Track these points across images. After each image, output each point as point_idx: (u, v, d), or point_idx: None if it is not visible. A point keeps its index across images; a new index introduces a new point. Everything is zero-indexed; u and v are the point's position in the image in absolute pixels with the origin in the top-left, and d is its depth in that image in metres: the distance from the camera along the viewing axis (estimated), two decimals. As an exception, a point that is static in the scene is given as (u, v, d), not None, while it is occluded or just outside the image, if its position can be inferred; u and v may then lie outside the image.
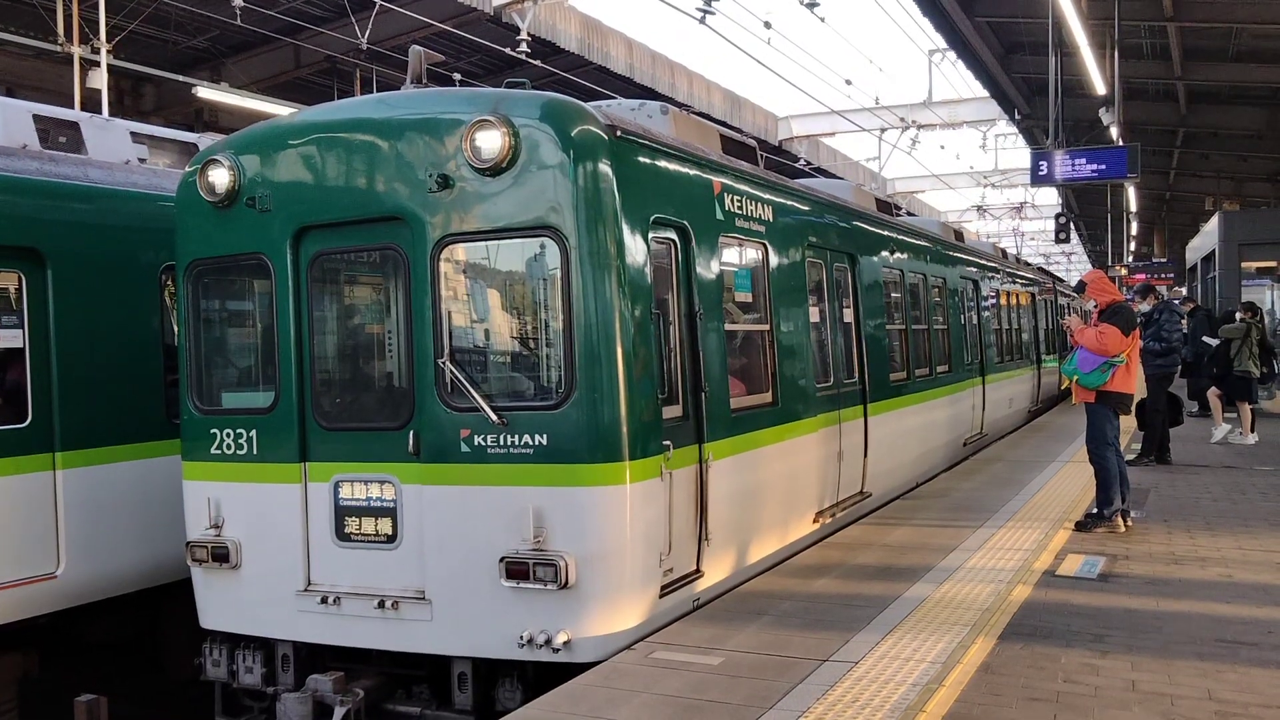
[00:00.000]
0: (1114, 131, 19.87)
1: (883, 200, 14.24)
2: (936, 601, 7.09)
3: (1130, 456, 12.60)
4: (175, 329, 7.73)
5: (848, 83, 29.47)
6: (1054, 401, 23.45)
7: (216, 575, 6.91)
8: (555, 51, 23.25)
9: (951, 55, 25.74)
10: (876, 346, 10.82)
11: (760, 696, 5.37)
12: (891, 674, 5.66)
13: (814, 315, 9.35)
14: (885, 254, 11.68)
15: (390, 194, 6.43)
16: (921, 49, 60.19)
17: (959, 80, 56.68)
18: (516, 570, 5.99)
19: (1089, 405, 9.49)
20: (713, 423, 7.04)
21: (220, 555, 6.83)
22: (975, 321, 16.00)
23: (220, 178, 6.85)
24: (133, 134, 9.16)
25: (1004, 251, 22.53)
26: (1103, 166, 17.95)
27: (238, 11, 18.16)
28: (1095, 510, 9.52)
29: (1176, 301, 21.64)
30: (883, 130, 34.96)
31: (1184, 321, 16.66)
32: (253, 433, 6.84)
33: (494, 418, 6.08)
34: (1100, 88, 18.85)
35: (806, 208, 9.52)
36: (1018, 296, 20.42)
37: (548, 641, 5.98)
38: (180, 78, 19.86)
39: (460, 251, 6.37)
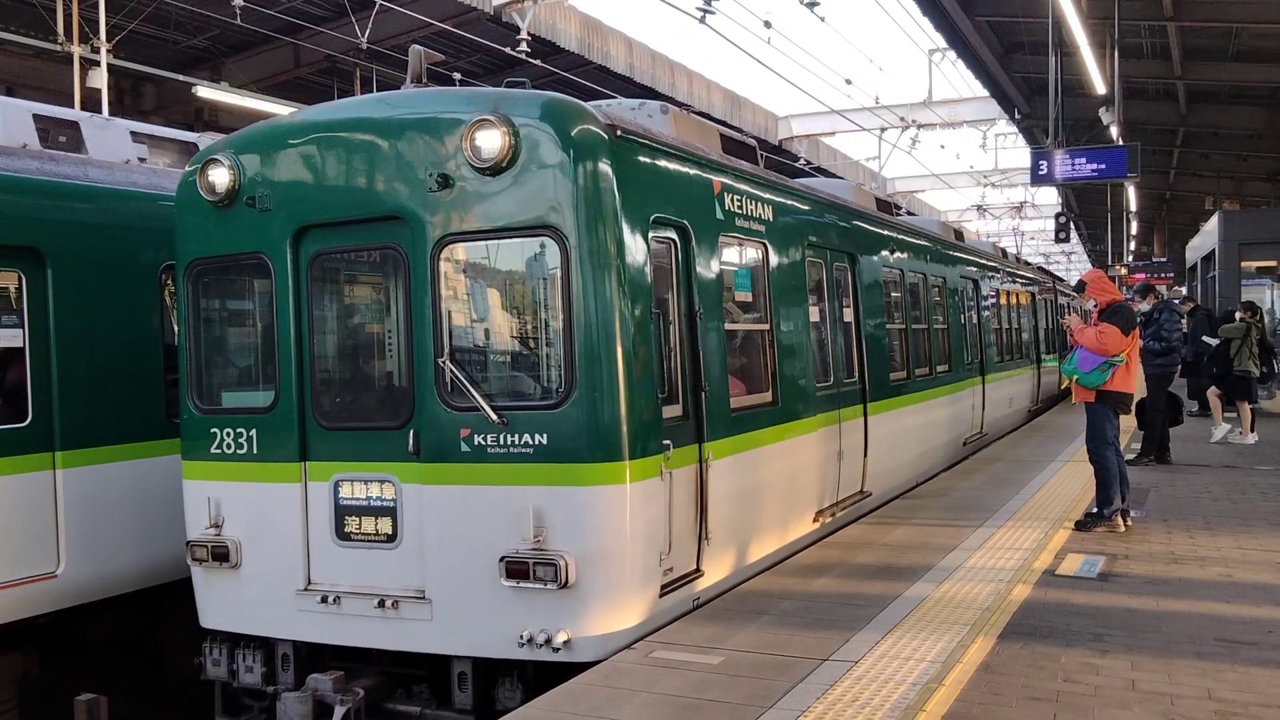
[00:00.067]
0: (1114, 131, 19.88)
1: (883, 200, 14.25)
2: (936, 601, 7.09)
3: (1130, 456, 12.60)
4: (175, 328, 7.73)
5: (848, 82, 29.50)
6: (1054, 401, 23.45)
7: (216, 574, 6.91)
8: (555, 51, 23.26)
9: (951, 55, 25.76)
10: (876, 346, 10.82)
11: (760, 696, 5.37)
12: (891, 673, 5.66)
13: (814, 315, 9.35)
14: (885, 253, 11.68)
15: (390, 193, 6.43)
16: (921, 48, 60.26)
17: (959, 80, 56.66)
18: (516, 570, 5.99)
19: (1089, 405, 9.49)
20: (713, 422, 7.04)
21: (220, 555, 6.83)
22: (975, 321, 16.00)
23: (220, 177, 6.85)
24: (133, 133, 9.16)
25: (1004, 251, 22.53)
26: (1103, 166, 17.96)
27: (238, 11, 18.16)
28: (1095, 510, 9.52)
29: (1176, 301, 21.67)
30: (883, 130, 34.97)
31: (1184, 321, 16.66)
32: (253, 432, 6.84)
33: (494, 417, 6.08)
34: (1100, 87, 18.86)
35: (806, 207, 9.52)
36: (1018, 296, 20.42)
37: (548, 641, 5.98)
38: (180, 77, 19.87)
39: (460, 251, 6.37)
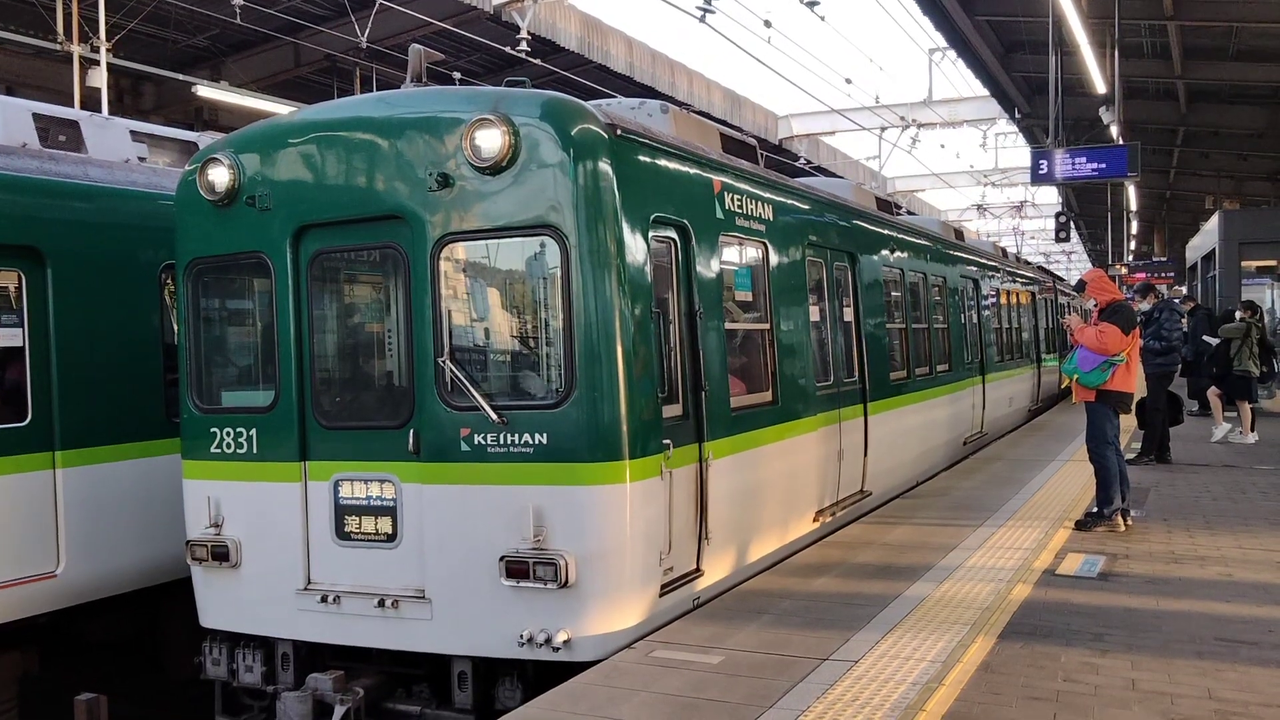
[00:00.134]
0: (1114, 130, 19.88)
1: (883, 199, 14.25)
2: (936, 600, 7.09)
3: (1130, 455, 12.60)
4: (175, 328, 7.73)
5: (848, 81, 29.47)
6: (1054, 400, 23.45)
7: (216, 574, 6.91)
8: (555, 50, 23.26)
9: (951, 54, 25.78)
10: (876, 345, 10.82)
11: (760, 695, 5.37)
12: (891, 673, 5.66)
13: (814, 314, 9.35)
14: (885, 253, 11.68)
15: (390, 193, 6.43)
16: (922, 48, 60.30)
17: (959, 79, 56.69)
18: (516, 569, 5.99)
19: (1089, 404, 9.49)
20: (713, 422, 7.03)
21: (220, 554, 6.83)
22: (975, 320, 16.00)
23: (220, 176, 6.85)
24: (132, 133, 9.15)
25: (1004, 250, 22.54)
26: (1103, 165, 17.97)
27: (237, 10, 18.17)
28: (1095, 509, 9.52)
29: (1176, 300, 21.66)
30: (883, 129, 34.98)
31: (1184, 320, 16.67)
32: (252, 431, 6.84)
33: (494, 417, 6.08)
34: (1100, 86, 18.86)
35: (807, 207, 9.52)
36: (1018, 295, 20.42)
37: (547, 640, 5.98)
38: (180, 76, 19.88)
39: (460, 250, 6.37)
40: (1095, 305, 9.72)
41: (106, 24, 16.61)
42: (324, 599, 6.55)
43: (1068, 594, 7.30)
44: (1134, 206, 36.44)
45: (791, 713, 5.15)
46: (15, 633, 7.34)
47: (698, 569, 6.91)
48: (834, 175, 34.53)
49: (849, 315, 10.32)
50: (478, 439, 6.14)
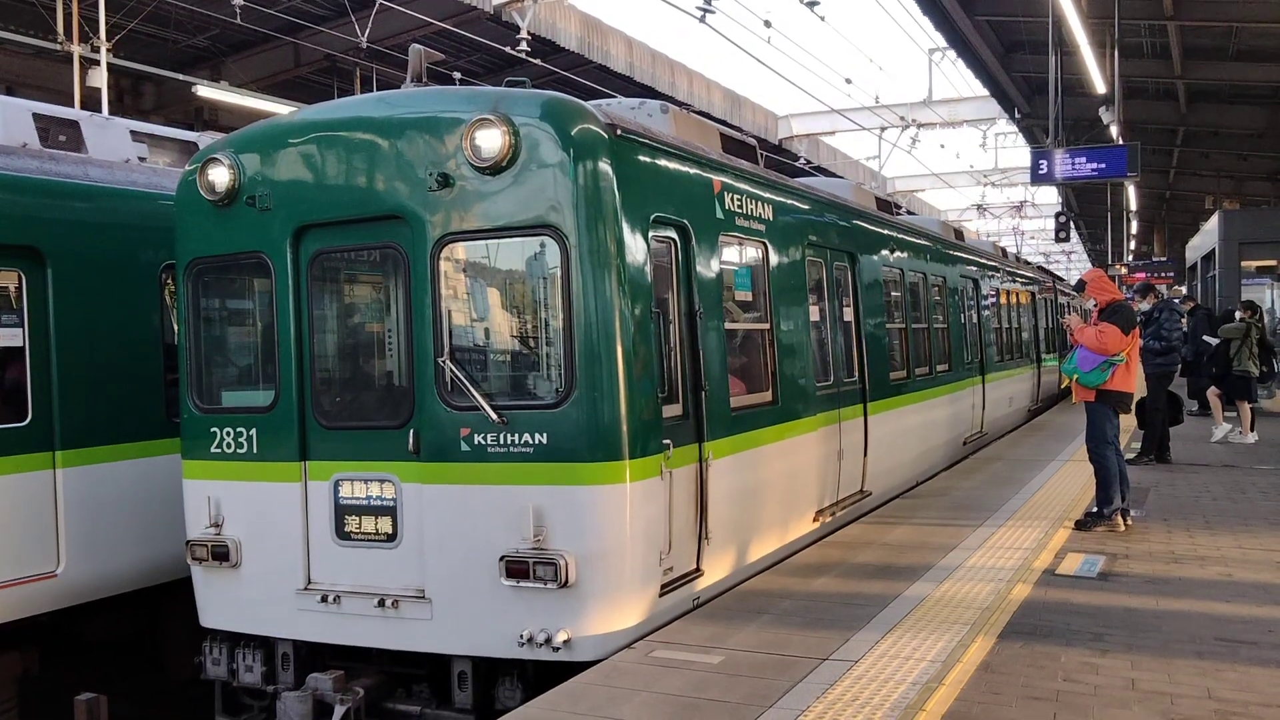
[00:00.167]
0: (1114, 130, 19.88)
1: (883, 199, 14.25)
2: (936, 600, 7.09)
3: (1130, 455, 12.60)
4: (175, 328, 7.73)
5: (848, 81, 29.47)
6: (1054, 400, 23.46)
7: (216, 574, 6.91)
8: (555, 50, 23.26)
9: (951, 54, 25.78)
10: (876, 345, 10.82)
11: (760, 695, 5.37)
12: (891, 673, 5.66)
13: (814, 314, 9.35)
14: (885, 253, 11.68)
15: (390, 193, 6.43)
16: (921, 48, 60.30)
17: (959, 79, 56.67)
18: (516, 569, 5.99)
19: (1089, 404, 9.49)
20: (713, 421, 7.03)
21: (220, 554, 6.83)
22: (975, 320, 16.00)
23: (220, 176, 6.85)
24: (132, 133, 9.15)
25: (1004, 250, 22.54)
26: (1103, 165, 17.96)
27: (237, 10, 18.17)
28: (1095, 509, 9.52)
29: (1176, 300, 21.64)
30: (883, 129, 34.98)
31: (1184, 320, 16.66)
32: (253, 431, 6.84)
33: (494, 416, 6.08)
34: (1100, 86, 18.86)
35: (806, 207, 9.52)
36: (1017, 295, 20.43)
37: (548, 640, 5.98)
38: (180, 76, 19.88)
39: (460, 250, 6.37)
40: (1095, 305, 9.72)
41: (106, 24, 16.62)
42: (324, 599, 6.55)
43: (1068, 594, 7.30)
44: (1134, 206, 36.44)
45: (791, 712, 5.15)
46: (15, 632, 7.34)
47: (698, 569, 6.91)
48: (834, 175, 34.53)
49: (849, 315, 10.32)
50: (478, 439, 6.14)
